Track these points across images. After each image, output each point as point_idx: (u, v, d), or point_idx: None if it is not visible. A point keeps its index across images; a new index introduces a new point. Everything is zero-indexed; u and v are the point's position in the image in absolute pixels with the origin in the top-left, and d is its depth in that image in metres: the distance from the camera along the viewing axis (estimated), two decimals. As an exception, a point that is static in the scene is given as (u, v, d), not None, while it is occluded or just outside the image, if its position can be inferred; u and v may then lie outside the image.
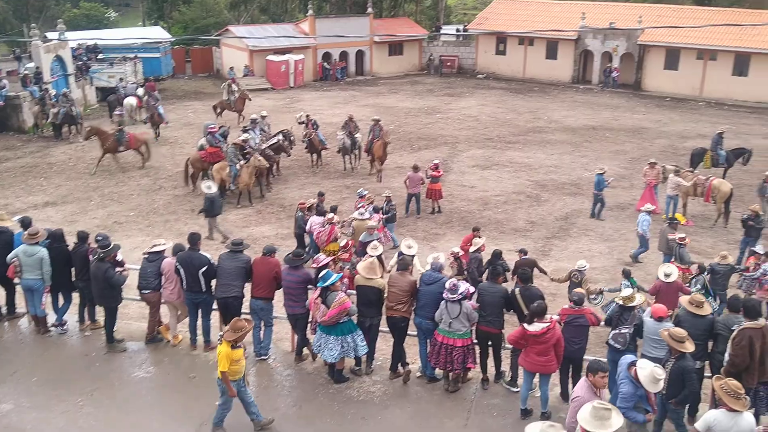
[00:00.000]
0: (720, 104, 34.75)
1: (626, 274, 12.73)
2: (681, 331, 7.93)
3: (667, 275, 11.06)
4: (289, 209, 19.12)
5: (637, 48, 37.60)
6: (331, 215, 14.16)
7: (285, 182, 21.62)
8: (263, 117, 23.07)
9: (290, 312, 10.05)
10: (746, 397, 6.78)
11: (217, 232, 16.58)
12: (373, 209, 15.48)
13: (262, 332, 10.24)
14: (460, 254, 12.88)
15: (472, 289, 9.69)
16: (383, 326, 10.03)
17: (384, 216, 15.81)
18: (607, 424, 6.09)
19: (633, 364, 7.38)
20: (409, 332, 9.95)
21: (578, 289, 11.27)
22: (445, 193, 19.42)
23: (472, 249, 13.02)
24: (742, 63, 35.14)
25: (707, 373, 8.90)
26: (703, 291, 12.03)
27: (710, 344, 8.81)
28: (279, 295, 10.16)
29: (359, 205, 15.31)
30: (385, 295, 9.74)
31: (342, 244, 13.33)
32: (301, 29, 40.50)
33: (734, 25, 30.25)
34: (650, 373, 7.13)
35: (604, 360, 7.54)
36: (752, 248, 13.81)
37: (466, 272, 12.86)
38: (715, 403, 6.81)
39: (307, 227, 14.51)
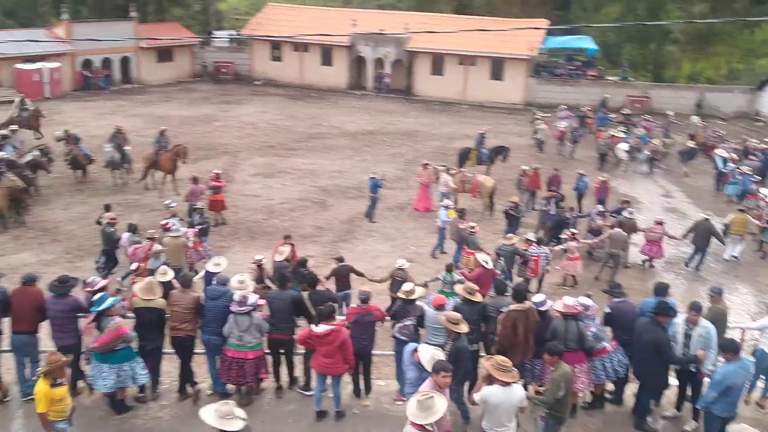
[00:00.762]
0: (481, 106, 37.88)
1: (448, 268, 12.71)
2: (456, 314, 8.53)
3: (486, 262, 12.19)
4: (52, 232, 17.38)
5: (407, 54, 39.67)
6: (152, 231, 13.71)
7: (46, 203, 19.55)
8: (14, 132, 20.79)
9: (59, 344, 9.07)
10: (514, 369, 7.43)
11: None
12: (188, 224, 15.08)
13: (27, 369, 9.20)
14: (263, 261, 12.57)
15: (261, 301, 9.52)
16: (168, 347, 9.50)
17: (197, 229, 15.18)
18: (434, 410, 6.28)
19: (416, 350, 7.77)
20: (196, 351, 9.53)
21: (366, 288, 11.58)
22: (228, 204, 18.92)
23: (276, 258, 12.81)
24: (497, 68, 38.68)
25: (483, 354, 9.61)
26: (504, 275, 13.13)
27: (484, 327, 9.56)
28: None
29: (164, 220, 14.45)
30: (168, 315, 9.24)
31: (133, 267, 12.51)
32: (55, 34, 36.98)
33: (486, 31, 32.10)
34: (430, 356, 7.52)
35: (445, 360, 7.63)
36: (526, 236, 15.18)
37: (268, 281, 12.64)
38: (490, 381, 7.35)
39: (122, 242, 13.93)
